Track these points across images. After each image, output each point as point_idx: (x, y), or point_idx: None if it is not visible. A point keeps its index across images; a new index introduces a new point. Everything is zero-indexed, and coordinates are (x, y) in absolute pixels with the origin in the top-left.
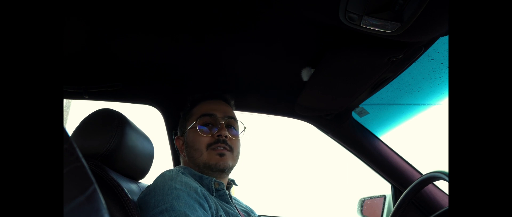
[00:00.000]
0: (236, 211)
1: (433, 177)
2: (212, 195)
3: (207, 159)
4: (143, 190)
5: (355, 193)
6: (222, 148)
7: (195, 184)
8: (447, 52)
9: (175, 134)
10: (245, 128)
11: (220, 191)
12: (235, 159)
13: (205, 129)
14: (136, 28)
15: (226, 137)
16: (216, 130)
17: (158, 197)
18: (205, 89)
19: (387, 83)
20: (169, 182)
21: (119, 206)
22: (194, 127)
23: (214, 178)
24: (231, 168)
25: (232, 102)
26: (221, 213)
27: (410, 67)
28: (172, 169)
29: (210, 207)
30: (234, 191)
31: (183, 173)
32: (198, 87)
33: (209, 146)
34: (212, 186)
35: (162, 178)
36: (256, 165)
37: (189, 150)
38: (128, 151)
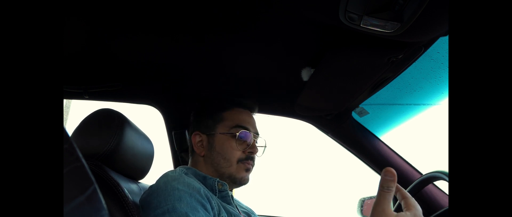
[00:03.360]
0: (238, 212)
1: (433, 177)
2: (215, 195)
3: (235, 172)
4: (145, 190)
5: (355, 193)
6: (249, 165)
7: (198, 185)
8: (447, 52)
9: (193, 130)
10: (265, 146)
11: (223, 192)
12: None
13: (242, 142)
14: (136, 28)
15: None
16: (248, 144)
17: (160, 197)
18: (205, 89)
19: (387, 83)
20: (172, 182)
21: (119, 206)
22: (228, 135)
23: (218, 179)
24: None
25: (256, 114)
26: (224, 214)
27: (410, 67)
28: (175, 170)
29: (212, 208)
30: (234, 192)
31: (186, 174)
32: (198, 87)
33: (239, 160)
34: (215, 187)
35: (165, 178)
36: (256, 165)
37: (215, 155)
38: (128, 151)
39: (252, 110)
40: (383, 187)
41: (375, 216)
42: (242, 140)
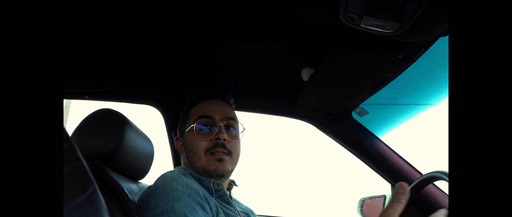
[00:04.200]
0: (236, 212)
1: (433, 177)
2: (212, 196)
3: (206, 164)
4: (144, 190)
5: (355, 193)
6: (221, 153)
7: (196, 186)
8: (447, 52)
9: (175, 134)
10: (244, 129)
11: (220, 192)
12: (234, 162)
13: (203, 132)
14: (136, 28)
15: (224, 140)
16: (215, 132)
17: (159, 198)
18: (205, 89)
19: (387, 83)
20: (170, 183)
21: (119, 206)
22: (192, 130)
23: (213, 179)
24: (230, 172)
25: (232, 101)
26: (222, 215)
27: (410, 67)
28: (173, 170)
29: (210, 209)
30: (234, 192)
31: (184, 174)
32: (198, 87)
33: (207, 150)
34: (211, 187)
35: (163, 179)
36: (256, 165)
37: (187, 152)
38: (128, 151)
39: (223, 98)
40: (394, 198)
41: None
42: (203, 130)
